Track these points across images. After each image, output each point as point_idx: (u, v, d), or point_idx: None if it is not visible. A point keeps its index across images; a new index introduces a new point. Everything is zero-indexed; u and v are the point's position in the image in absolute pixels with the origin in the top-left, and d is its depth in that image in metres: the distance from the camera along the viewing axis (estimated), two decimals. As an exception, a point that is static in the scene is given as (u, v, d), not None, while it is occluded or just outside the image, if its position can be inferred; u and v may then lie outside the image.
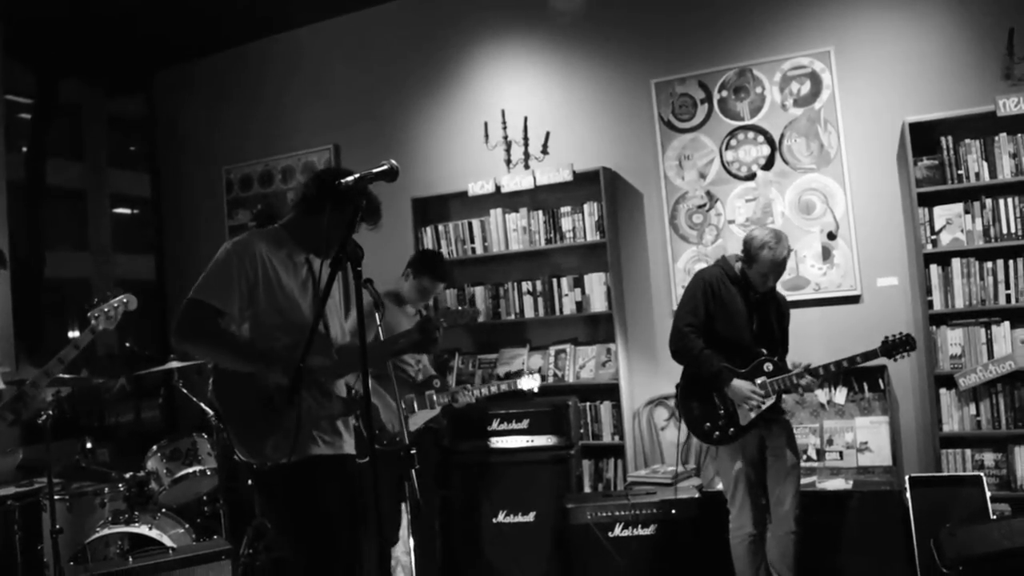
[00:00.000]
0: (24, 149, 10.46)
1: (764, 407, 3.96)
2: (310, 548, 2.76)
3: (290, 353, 2.65)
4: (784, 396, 4.12)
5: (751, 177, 5.26)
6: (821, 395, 4.93)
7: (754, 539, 4.02)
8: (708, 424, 4.08)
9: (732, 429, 4.01)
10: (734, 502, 4.08)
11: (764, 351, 4.03)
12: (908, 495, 4.26)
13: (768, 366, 4.00)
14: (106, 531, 4.17)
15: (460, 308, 3.31)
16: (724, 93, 5.33)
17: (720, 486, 4.50)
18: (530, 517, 4.94)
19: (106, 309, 3.80)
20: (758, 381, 3.98)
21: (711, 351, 4.01)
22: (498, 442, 5.10)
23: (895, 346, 3.91)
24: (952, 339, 4.67)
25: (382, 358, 3.14)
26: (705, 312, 4.06)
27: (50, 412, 4.07)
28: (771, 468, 4.06)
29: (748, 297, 4.07)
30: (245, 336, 2.78)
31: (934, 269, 4.70)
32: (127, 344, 5.81)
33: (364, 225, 2.80)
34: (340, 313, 3.12)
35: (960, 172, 4.67)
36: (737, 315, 4.04)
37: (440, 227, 5.90)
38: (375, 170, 2.41)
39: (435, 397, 4.55)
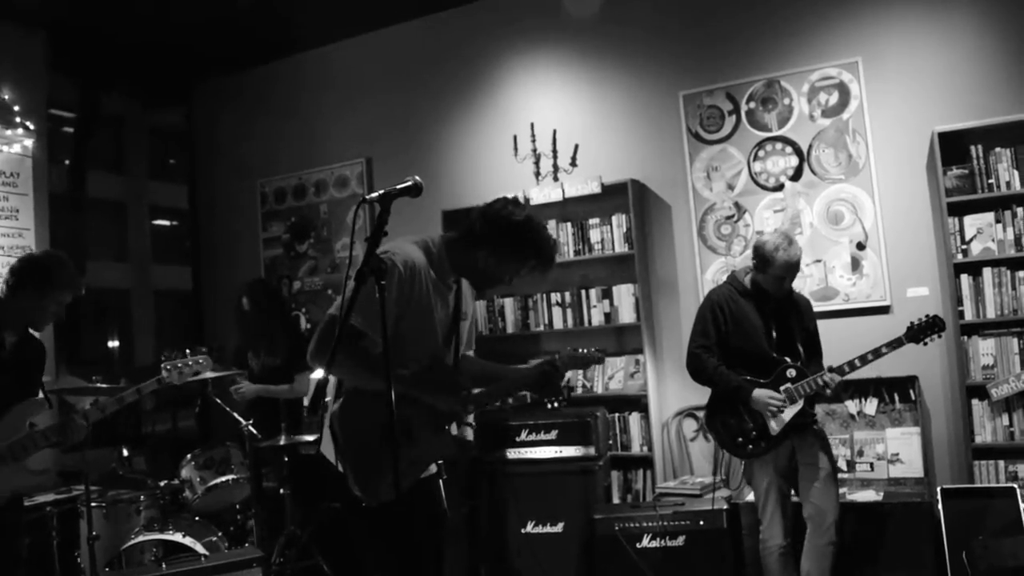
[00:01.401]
0: (67, 162, 10.69)
1: (790, 415, 3.91)
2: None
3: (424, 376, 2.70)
4: (817, 404, 4.07)
5: (779, 188, 5.25)
6: (851, 406, 4.90)
7: (784, 550, 3.99)
8: (740, 439, 4.03)
9: (763, 442, 3.97)
10: (764, 513, 4.05)
11: (787, 359, 4.00)
12: (940, 507, 4.22)
13: (791, 372, 3.94)
14: (141, 538, 4.25)
15: (582, 352, 3.23)
16: (752, 104, 5.33)
17: (750, 497, 4.50)
18: (558, 527, 4.95)
19: (180, 365, 3.78)
20: (781, 388, 3.93)
21: (725, 367, 4.02)
22: (526, 452, 5.12)
23: (921, 330, 3.86)
24: (984, 349, 4.63)
25: (501, 397, 3.15)
26: (716, 331, 4.07)
27: (88, 421, 4.18)
28: (804, 477, 4.00)
29: (763, 308, 4.03)
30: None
31: (965, 279, 4.67)
32: (164, 355, 5.91)
33: (537, 271, 2.89)
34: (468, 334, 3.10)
35: (991, 181, 4.64)
36: (751, 328, 4.01)
37: (470, 239, 5.93)
38: (399, 186, 2.45)
39: None
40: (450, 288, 2.94)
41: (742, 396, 3.97)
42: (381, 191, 2.41)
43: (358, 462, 2.74)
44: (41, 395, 3.47)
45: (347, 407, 2.79)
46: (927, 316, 3.89)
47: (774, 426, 3.94)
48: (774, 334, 4.02)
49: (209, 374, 5.03)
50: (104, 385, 4.49)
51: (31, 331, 3.55)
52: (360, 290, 2.38)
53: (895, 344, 3.87)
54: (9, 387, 3.36)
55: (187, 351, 3.80)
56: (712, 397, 4.16)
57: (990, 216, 4.64)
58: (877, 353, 3.86)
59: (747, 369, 4.00)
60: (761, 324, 4.01)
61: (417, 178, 2.48)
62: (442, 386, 2.82)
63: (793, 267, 3.91)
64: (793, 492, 4.08)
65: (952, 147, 4.68)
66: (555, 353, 5.41)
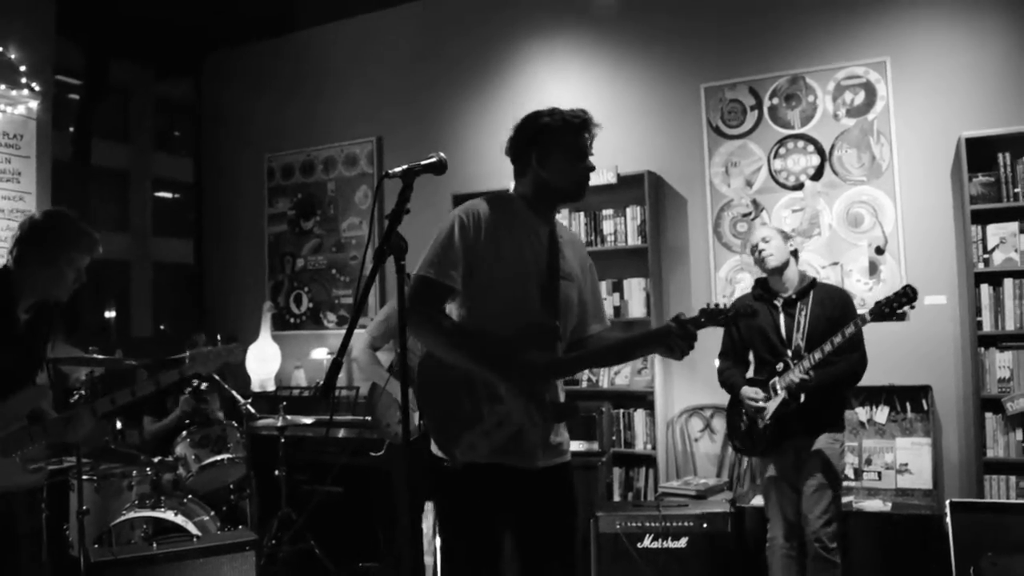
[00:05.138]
0: (71, 129, 10.57)
1: (769, 409, 3.85)
2: (473, 562, 2.55)
3: (517, 350, 2.44)
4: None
5: (799, 187, 5.14)
6: (862, 413, 4.81)
7: (786, 551, 3.92)
8: (740, 437, 4.08)
9: (756, 438, 3.96)
10: (767, 511, 4.03)
11: (785, 352, 3.89)
12: (948, 520, 4.12)
13: (780, 366, 3.87)
14: (131, 514, 4.15)
15: (719, 307, 2.63)
16: (775, 100, 5.22)
17: (755, 501, 4.44)
18: (558, 523, 4.86)
19: (208, 353, 3.39)
20: (769, 383, 3.89)
21: (731, 367, 4.12)
22: (528, 445, 5.04)
23: (888, 303, 3.60)
24: (1001, 362, 4.53)
25: (609, 362, 2.82)
26: (731, 339, 4.16)
27: (82, 392, 4.07)
28: (801, 483, 3.91)
29: (773, 305, 3.98)
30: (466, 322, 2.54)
31: (985, 289, 4.56)
32: (161, 327, 5.81)
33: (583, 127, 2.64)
34: (580, 303, 2.77)
35: (1017, 190, 4.54)
36: (761, 328, 3.98)
37: (480, 224, 5.83)
38: (423, 162, 2.36)
39: None
40: (538, 237, 2.65)
41: (735, 394, 4.03)
42: (404, 166, 2.32)
43: (440, 417, 2.50)
44: (44, 376, 3.23)
45: (426, 363, 2.53)
46: (893, 294, 3.65)
47: (760, 423, 3.91)
48: (782, 331, 3.93)
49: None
50: (101, 356, 4.38)
51: (50, 302, 3.18)
52: (376, 269, 2.28)
53: (857, 326, 3.65)
54: (18, 368, 3.05)
55: (218, 337, 3.50)
56: (730, 398, 4.16)
57: (1014, 226, 4.53)
58: (843, 336, 3.65)
59: (763, 368, 4.00)
60: (770, 322, 3.96)
61: (442, 154, 2.39)
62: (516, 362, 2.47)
63: (754, 246, 4.00)
64: None
65: (978, 153, 4.56)
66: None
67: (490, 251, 2.52)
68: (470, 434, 2.44)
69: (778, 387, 3.85)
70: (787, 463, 3.95)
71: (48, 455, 3.21)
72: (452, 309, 2.57)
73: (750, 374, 4.11)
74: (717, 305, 2.61)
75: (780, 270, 3.96)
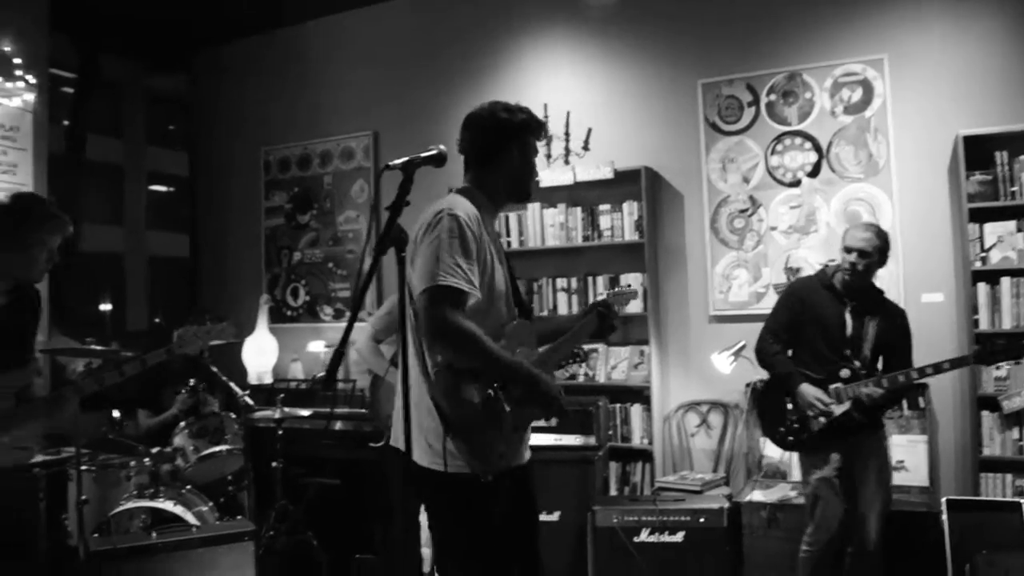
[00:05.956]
0: (65, 123, 10.54)
1: (833, 414, 3.81)
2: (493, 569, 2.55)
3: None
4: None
5: (796, 184, 5.15)
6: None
7: (823, 556, 3.91)
8: (782, 428, 4.00)
9: (805, 435, 3.91)
10: (812, 516, 3.97)
11: (849, 357, 3.87)
12: (944, 518, 4.14)
13: (845, 372, 3.84)
14: (130, 504, 4.14)
15: (619, 289, 3.10)
16: (772, 97, 5.22)
17: (751, 496, 4.45)
18: (555, 516, 4.86)
19: (196, 332, 3.32)
20: (831, 387, 3.85)
21: (784, 355, 4.02)
22: (525, 439, 5.04)
23: (995, 353, 3.66)
24: (997, 360, 4.55)
25: (571, 349, 2.86)
26: (788, 318, 4.05)
27: (79, 383, 4.05)
28: (858, 486, 3.93)
29: (842, 303, 3.93)
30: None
31: (982, 287, 4.57)
32: (156, 321, 5.81)
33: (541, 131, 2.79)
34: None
35: (1014, 189, 4.54)
36: (825, 321, 3.93)
37: (477, 219, 5.83)
38: (424, 154, 2.37)
39: None
40: (496, 235, 2.73)
41: (790, 385, 3.94)
42: (405, 158, 2.32)
43: (473, 433, 2.42)
44: (38, 355, 3.22)
45: (454, 376, 2.42)
46: (1005, 340, 3.70)
47: (815, 424, 3.87)
48: (848, 332, 3.89)
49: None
50: (98, 347, 4.38)
51: (26, 285, 3.19)
52: (377, 261, 2.29)
53: (959, 362, 3.71)
54: (1, 351, 3.03)
55: (206, 317, 3.43)
56: (767, 381, 4.15)
57: (1012, 224, 4.54)
58: (938, 368, 3.70)
59: (816, 362, 3.94)
60: (837, 319, 3.92)
61: (442, 147, 2.40)
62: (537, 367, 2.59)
63: (851, 248, 3.87)
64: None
65: (976, 152, 4.57)
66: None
67: (487, 251, 2.56)
68: (497, 445, 2.46)
69: (842, 394, 3.81)
70: (836, 462, 3.91)
71: (39, 440, 3.22)
72: None
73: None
74: (618, 284, 2.87)
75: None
